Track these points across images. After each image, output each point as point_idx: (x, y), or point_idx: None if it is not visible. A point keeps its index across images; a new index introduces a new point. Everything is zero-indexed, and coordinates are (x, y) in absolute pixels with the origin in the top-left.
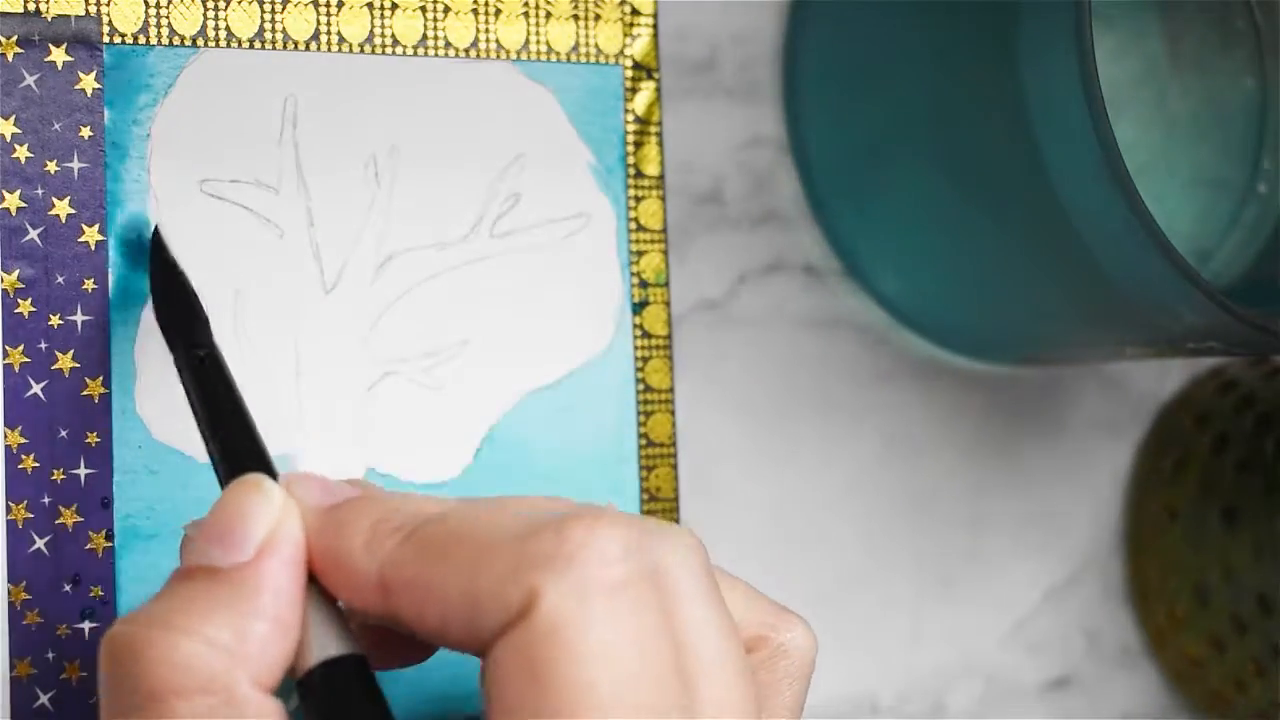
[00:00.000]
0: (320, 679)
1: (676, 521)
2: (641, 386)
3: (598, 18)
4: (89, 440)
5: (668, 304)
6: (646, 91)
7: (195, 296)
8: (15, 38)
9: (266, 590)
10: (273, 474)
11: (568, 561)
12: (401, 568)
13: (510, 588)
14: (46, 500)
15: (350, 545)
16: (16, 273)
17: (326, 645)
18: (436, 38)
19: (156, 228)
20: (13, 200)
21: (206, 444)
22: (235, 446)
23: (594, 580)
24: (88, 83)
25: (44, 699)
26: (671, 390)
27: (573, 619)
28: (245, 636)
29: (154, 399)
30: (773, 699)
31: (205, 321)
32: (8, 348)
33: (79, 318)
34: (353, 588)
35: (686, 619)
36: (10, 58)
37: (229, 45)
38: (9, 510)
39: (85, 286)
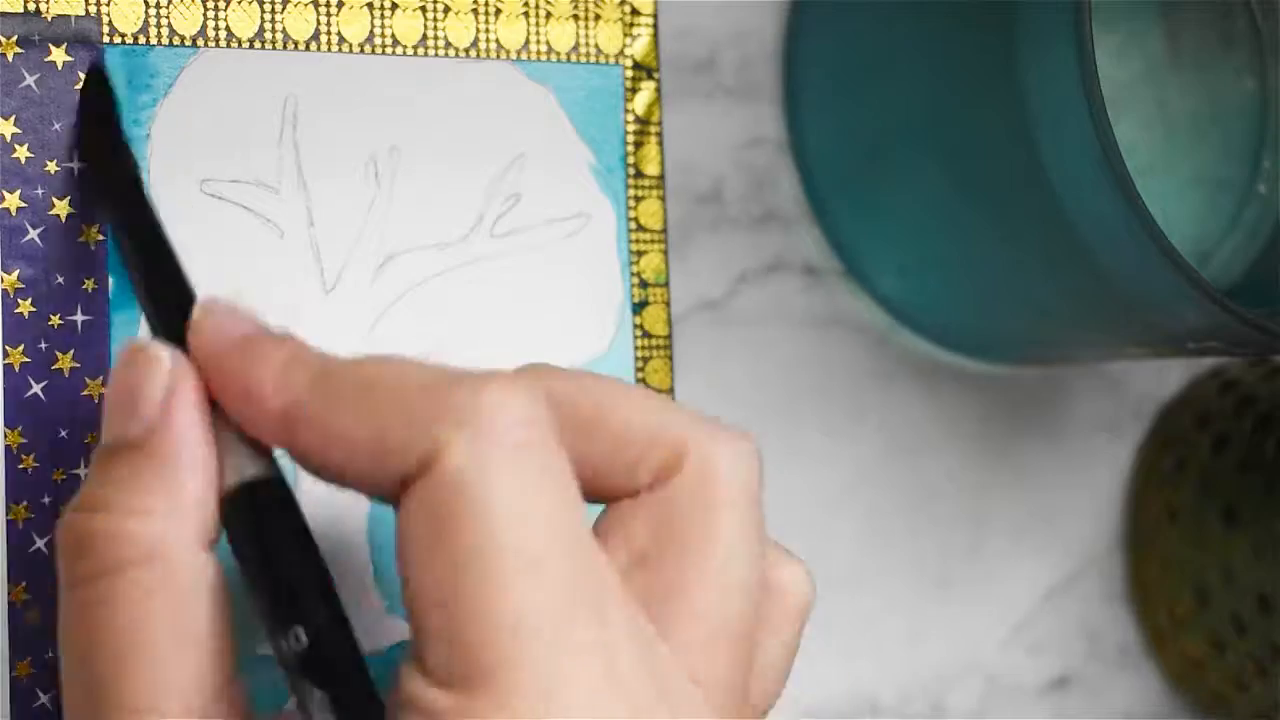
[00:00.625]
0: (242, 502)
1: None
2: (642, 386)
3: (598, 18)
4: (89, 440)
5: (668, 304)
6: (646, 91)
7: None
8: (15, 38)
9: (182, 447)
10: (190, 302)
11: (476, 414)
12: (307, 406)
13: (418, 436)
14: (46, 500)
15: (259, 377)
16: (16, 273)
17: (243, 468)
18: (436, 38)
19: (98, 64)
20: (13, 200)
21: (136, 288)
22: (160, 291)
23: (505, 438)
24: None
25: (44, 699)
26: (672, 390)
27: (479, 474)
28: (178, 496)
29: None
30: (771, 636)
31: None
32: (8, 348)
33: (79, 318)
34: (257, 421)
35: None
36: (10, 58)
37: (229, 45)
38: (9, 510)
39: (85, 286)
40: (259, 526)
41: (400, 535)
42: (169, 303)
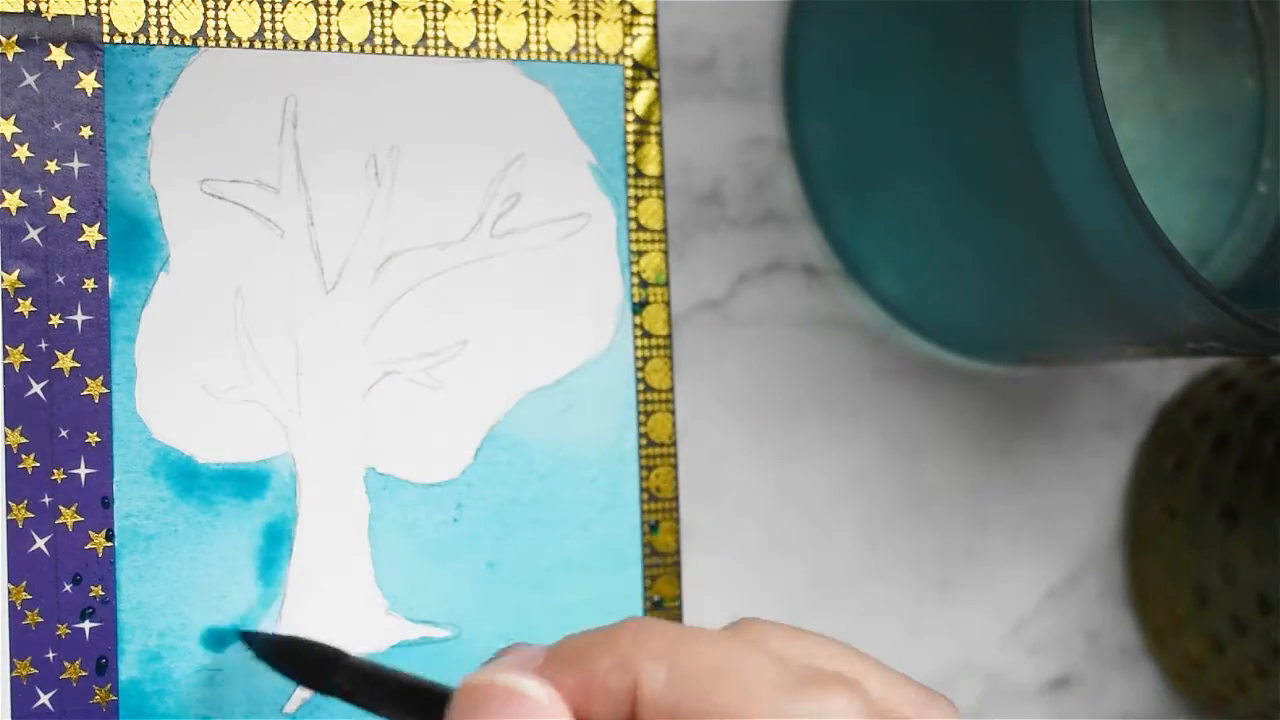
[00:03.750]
0: None
1: (676, 522)
2: (641, 386)
3: (598, 17)
4: (89, 440)
5: (668, 304)
6: (646, 91)
7: (308, 645)
8: (15, 37)
9: None
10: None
11: None
12: (653, 679)
13: None
14: (47, 500)
15: (600, 666)
16: (16, 272)
17: None
18: (436, 37)
19: (242, 635)
20: (13, 200)
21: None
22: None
23: None
24: (88, 82)
25: (44, 699)
26: (671, 390)
27: None
28: None
29: (154, 399)
30: None
31: (328, 656)
32: (8, 347)
33: (79, 318)
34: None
35: None
36: (10, 57)
37: (229, 45)
38: (9, 510)
39: (85, 286)
40: None
41: None
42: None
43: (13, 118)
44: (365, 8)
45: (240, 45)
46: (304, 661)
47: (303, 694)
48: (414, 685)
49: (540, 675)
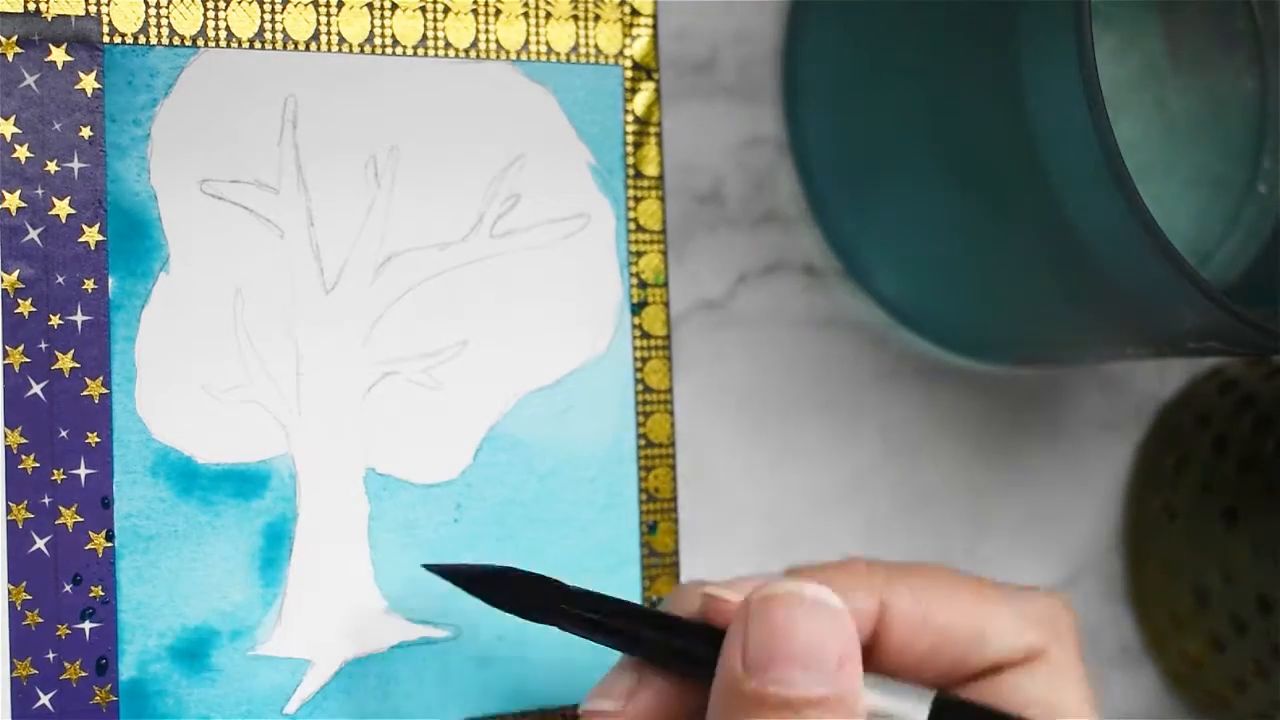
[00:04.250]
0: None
1: (675, 522)
2: (640, 387)
3: (597, 18)
4: (89, 440)
5: (667, 304)
6: (646, 92)
7: (519, 574)
8: (15, 38)
9: (858, 705)
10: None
11: (1063, 628)
12: (901, 598)
13: (1024, 634)
14: (47, 500)
15: (844, 587)
16: (16, 273)
17: (908, 696)
18: (436, 38)
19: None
20: (13, 200)
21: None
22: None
23: (1078, 648)
24: (88, 83)
25: (45, 699)
26: (670, 391)
27: (1074, 674)
28: None
29: (154, 399)
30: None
31: (548, 583)
32: (8, 348)
33: (79, 318)
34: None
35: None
36: (10, 58)
37: (229, 45)
38: (9, 510)
39: (85, 286)
40: None
41: (1005, 700)
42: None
43: (13, 118)
44: (365, 8)
45: (240, 46)
46: (514, 591)
47: (303, 694)
48: (662, 618)
49: None
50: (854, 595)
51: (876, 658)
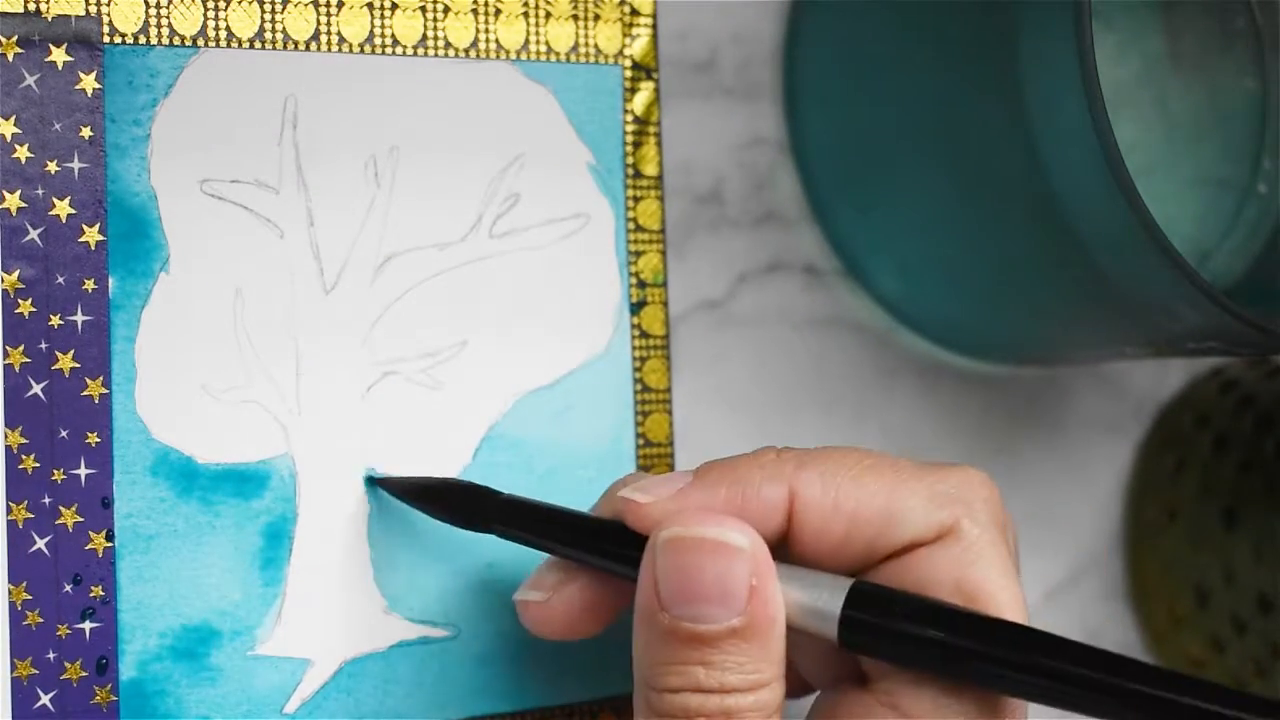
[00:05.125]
0: (852, 612)
1: None
2: (639, 387)
3: (597, 18)
4: (89, 440)
5: (665, 304)
6: (646, 92)
7: (459, 484)
8: (15, 38)
9: (777, 618)
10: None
11: (977, 503)
12: (810, 486)
13: (934, 513)
14: (47, 500)
15: (754, 479)
16: (17, 273)
17: (824, 587)
18: (436, 38)
19: (372, 480)
20: (13, 200)
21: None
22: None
23: (995, 521)
24: (88, 83)
25: (45, 699)
26: (669, 390)
27: (989, 547)
28: (780, 663)
29: (154, 399)
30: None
31: (484, 492)
32: (8, 348)
33: (79, 318)
34: (761, 520)
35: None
36: (10, 58)
37: (229, 45)
38: (10, 510)
39: (85, 286)
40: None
41: (916, 581)
42: (602, 529)
43: (13, 118)
44: (365, 8)
45: (240, 46)
46: (454, 502)
47: (303, 693)
48: (584, 521)
49: (693, 492)
50: (765, 487)
51: (792, 547)
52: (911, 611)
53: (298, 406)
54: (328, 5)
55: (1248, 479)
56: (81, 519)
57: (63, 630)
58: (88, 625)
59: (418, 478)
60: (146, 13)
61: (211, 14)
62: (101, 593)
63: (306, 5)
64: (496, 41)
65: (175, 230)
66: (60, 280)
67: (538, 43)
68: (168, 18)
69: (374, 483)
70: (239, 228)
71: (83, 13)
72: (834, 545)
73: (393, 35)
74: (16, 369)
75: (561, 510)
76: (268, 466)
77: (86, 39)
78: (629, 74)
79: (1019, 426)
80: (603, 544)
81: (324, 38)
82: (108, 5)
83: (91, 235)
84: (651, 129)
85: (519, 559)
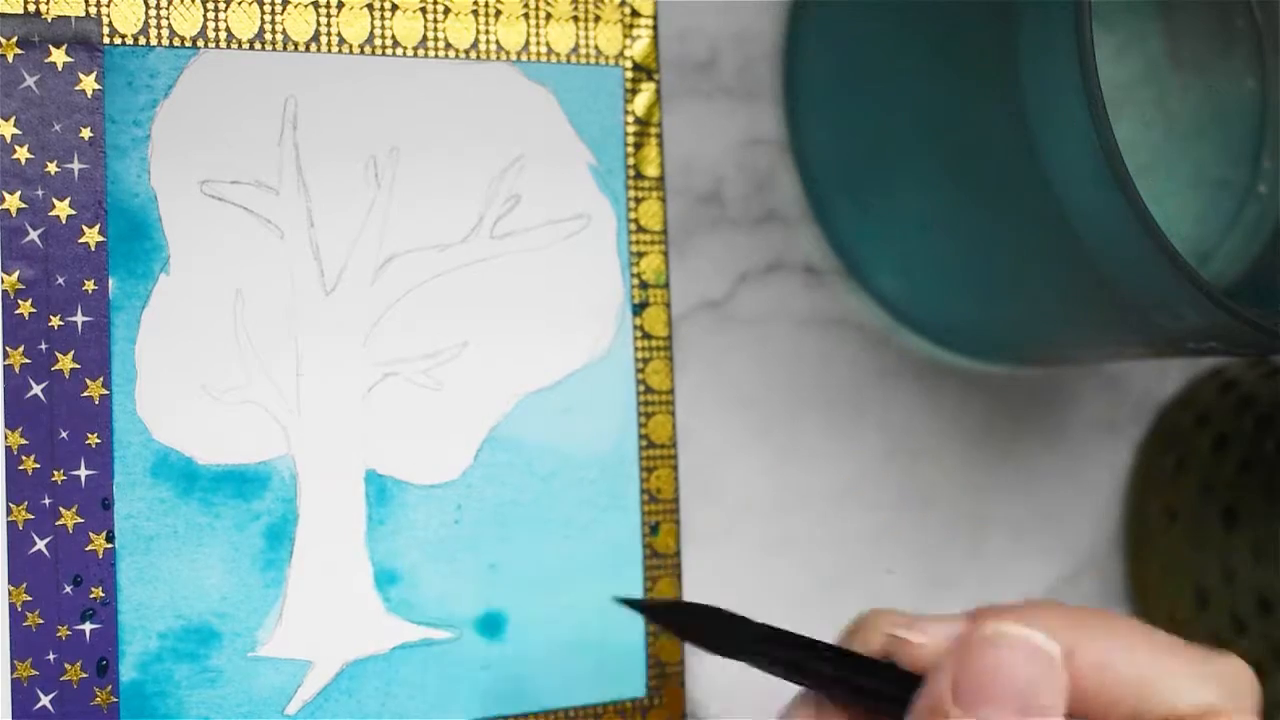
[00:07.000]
0: None
1: (677, 524)
2: (642, 388)
3: (598, 19)
4: (89, 441)
5: (668, 305)
6: (646, 92)
7: (707, 609)
8: (15, 39)
9: None
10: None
11: (1248, 696)
12: (1090, 646)
13: (1199, 692)
14: (47, 501)
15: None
16: (17, 273)
17: None
18: (437, 39)
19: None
20: (13, 201)
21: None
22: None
23: (1258, 714)
24: (88, 84)
25: (45, 700)
26: (672, 391)
27: None
28: None
29: (154, 400)
30: None
31: (736, 620)
32: (8, 348)
33: (79, 319)
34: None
35: None
36: (10, 59)
37: (229, 46)
38: (10, 512)
39: (85, 287)
40: None
41: None
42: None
43: (13, 119)
44: (365, 9)
45: (240, 46)
46: (707, 628)
47: (304, 695)
48: (849, 657)
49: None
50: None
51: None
52: None
53: (298, 407)
54: (328, 6)
55: (1248, 479)
56: (82, 520)
57: (63, 631)
58: (88, 626)
59: (667, 600)
60: (146, 14)
61: (211, 15)
62: (102, 594)
63: (306, 6)
64: (497, 42)
65: (175, 231)
66: (60, 281)
67: (538, 44)
68: (168, 19)
69: (622, 602)
70: (239, 228)
71: (83, 14)
72: (1103, 708)
73: (393, 36)
74: (16, 370)
75: (819, 643)
76: (268, 467)
77: (86, 40)
78: (630, 75)
79: (1019, 427)
80: (872, 681)
81: (324, 39)
82: (108, 6)
83: (91, 236)
84: (653, 130)
85: (520, 560)
